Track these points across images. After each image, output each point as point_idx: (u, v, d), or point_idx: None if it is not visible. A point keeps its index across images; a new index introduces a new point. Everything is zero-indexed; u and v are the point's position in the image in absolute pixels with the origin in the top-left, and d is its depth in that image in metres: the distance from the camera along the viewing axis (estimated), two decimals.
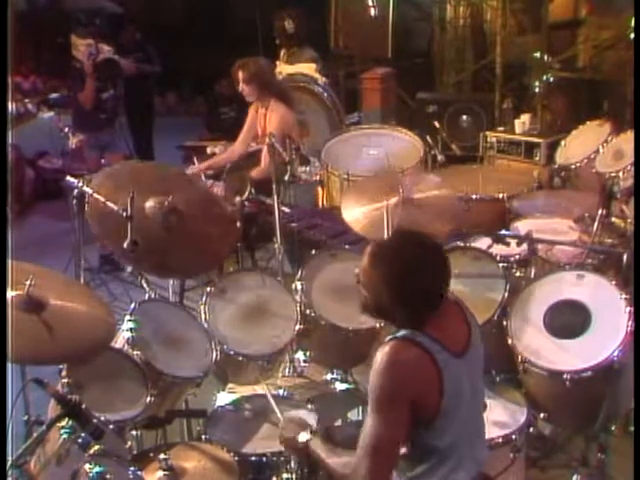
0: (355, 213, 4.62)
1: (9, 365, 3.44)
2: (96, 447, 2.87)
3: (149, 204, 4.26)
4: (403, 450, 2.84)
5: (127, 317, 3.91)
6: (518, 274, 4.67)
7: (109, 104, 7.88)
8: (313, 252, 4.79)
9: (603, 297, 4.09)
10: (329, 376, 4.44)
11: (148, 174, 4.58)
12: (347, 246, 5.01)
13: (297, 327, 4.34)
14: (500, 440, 3.74)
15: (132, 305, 4.04)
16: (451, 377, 2.78)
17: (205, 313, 4.28)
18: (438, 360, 2.76)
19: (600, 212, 4.64)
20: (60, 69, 9.76)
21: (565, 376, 3.91)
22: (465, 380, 2.86)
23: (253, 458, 3.56)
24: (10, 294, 3.31)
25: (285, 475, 3.47)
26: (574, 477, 4.11)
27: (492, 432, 3.73)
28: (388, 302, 2.83)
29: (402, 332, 2.81)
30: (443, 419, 2.78)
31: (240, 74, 6.28)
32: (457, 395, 2.81)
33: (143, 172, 4.63)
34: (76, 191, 4.74)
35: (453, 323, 2.93)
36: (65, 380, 3.40)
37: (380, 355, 2.76)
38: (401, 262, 2.81)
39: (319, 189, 7.26)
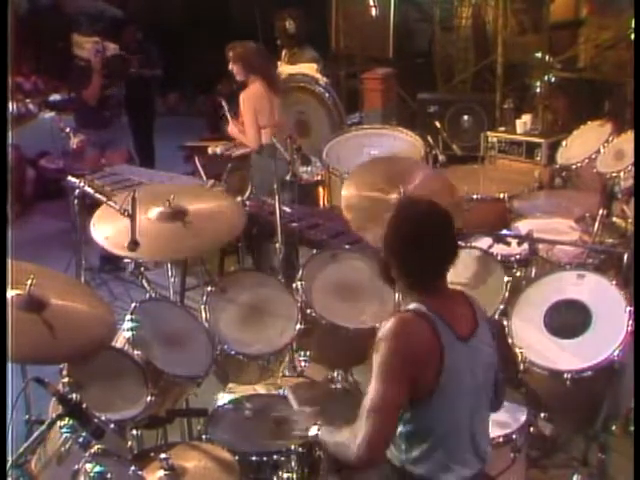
0: (353, 199, 4.63)
1: (10, 365, 3.44)
2: (97, 446, 2.86)
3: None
4: (403, 428, 2.90)
5: (128, 317, 3.91)
6: (519, 274, 4.68)
7: (113, 101, 7.90)
8: (314, 252, 4.79)
9: (604, 297, 4.10)
10: (329, 376, 4.44)
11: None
12: (347, 246, 5.01)
13: (297, 327, 4.34)
14: (500, 440, 3.74)
15: (133, 305, 4.04)
16: (452, 357, 2.84)
17: (206, 313, 4.28)
18: (442, 337, 2.84)
19: (601, 212, 4.64)
20: (61, 70, 9.77)
21: (565, 376, 3.91)
22: (466, 365, 2.91)
23: (254, 458, 3.55)
24: (11, 294, 3.31)
25: (286, 475, 3.48)
26: (574, 477, 4.11)
27: (493, 432, 3.71)
28: (391, 256, 2.98)
29: (413, 305, 2.91)
30: (440, 398, 2.84)
31: (230, 54, 6.70)
32: (456, 377, 2.87)
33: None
34: (77, 191, 4.76)
35: (459, 308, 3.01)
36: (66, 379, 3.41)
37: (389, 323, 2.86)
38: (410, 220, 2.97)
39: (320, 189, 7.27)
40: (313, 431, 3.15)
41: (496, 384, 3.11)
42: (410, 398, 2.83)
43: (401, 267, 2.98)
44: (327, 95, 8.27)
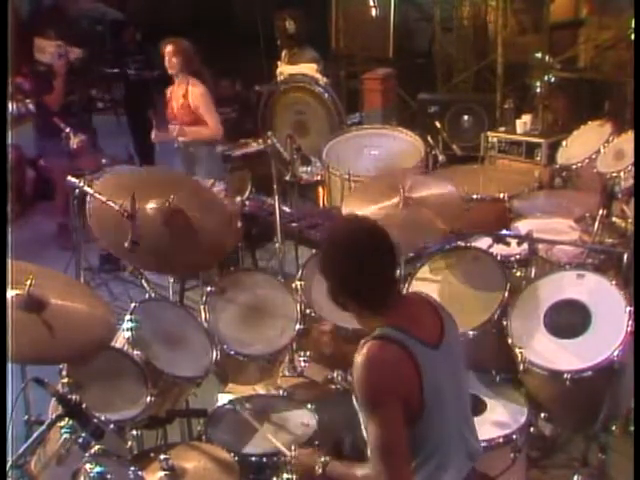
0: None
1: (9, 365, 3.44)
2: (96, 447, 2.86)
3: (151, 205, 4.27)
4: None
5: (127, 317, 3.91)
6: (518, 274, 4.67)
7: (77, 107, 7.82)
8: (314, 252, 4.79)
9: (603, 297, 4.09)
10: (329, 376, 4.44)
11: (149, 176, 4.60)
12: None
13: (297, 327, 4.34)
14: (501, 440, 3.74)
15: (132, 305, 4.04)
16: (428, 369, 2.78)
17: (205, 313, 4.28)
18: (415, 354, 2.77)
19: (601, 212, 4.63)
20: None
21: (565, 376, 3.91)
22: (443, 372, 2.86)
23: (253, 458, 3.55)
24: (11, 294, 3.31)
25: (286, 475, 3.47)
26: (575, 477, 4.11)
27: (492, 432, 3.74)
28: (334, 284, 2.92)
29: (376, 331, 2.82)
30: (426, 415, 2.79)
31: (170, 47, 6.74)
32: (437, 388, 2.81)
33: (145, 174, 4.65)
34: (77, 191, 4.75)
35: (422, 315, 2.94)
36: (65, 380, 3.41)
37: (359, 358, 2.78)
38: (342, 241, 2.90)
39: (320, 189, 7.27)
40: (320, 469, 3.05)
41: None
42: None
43: (349, 292, 2.90)
44: (327, 95, 8.27)
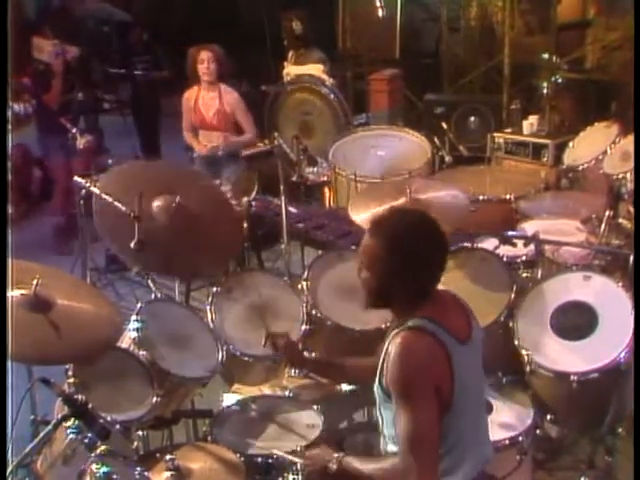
0: (362, 217, 4.61)
1: (15, 365, 3.45)
2: (102, 447, 2.87)
3: (156, 204, 4.26)
4: None
5: (133, 317, 3.91)
6: (525, 275, 4.67)
7: (75, 106, 7.83)
8: (320, 252, 4.79)
9: (610, 298, 4.09)
10: None
11: (156, 173, 4.59)
12: (354, 247, 5.00)
13: (303, 328, 4.34)
14: (507, 442, 3.73)
15: (138, 305, 4.04)
16: (459, 363, 2.82)
17: (211, 313, 4.28)
18: (448, 346, 2.80)
19: (607, 213, 4.63)
20: None
21: (572, 378, 3.90)
22: (469, 368, 2.90)
23: (259, 459, 3.54)
24: (17, 294, 3.31)
25: (292, 476, 3.46)
26: (581, 479, 4.11)
27: (498, 434, 3.72)
28: (389, 275, 2.87)
29: (410, 322, 2.85)
30: (454, 408, 2.81)
31: (209, 54, 6.80)
32: (465, 382, 2.84)
33: (151, 171, 4.64)
34: (83, 191, 4.76)
35: (454, 312, 2.98)
36: (71, 380, 3.40)
37: (394, 348, 2.80)
38: (403, 230, 2.89)
39: (326, 190, 7.27)
40: (334, 465, 3.05)
41: None
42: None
43: (403, 284, 2.89)
44: (333, 96, 8.28)
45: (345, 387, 4.14)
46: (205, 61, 6.75)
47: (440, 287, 3.02)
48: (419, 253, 2.86)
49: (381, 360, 2.93)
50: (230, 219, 4.68)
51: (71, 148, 7.54)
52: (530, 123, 7.86)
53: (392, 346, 2.82)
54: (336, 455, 3.06)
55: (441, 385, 2.79)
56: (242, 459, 3.45)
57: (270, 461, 3.52)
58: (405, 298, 2.92)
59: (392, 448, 2.95)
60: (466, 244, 4.61)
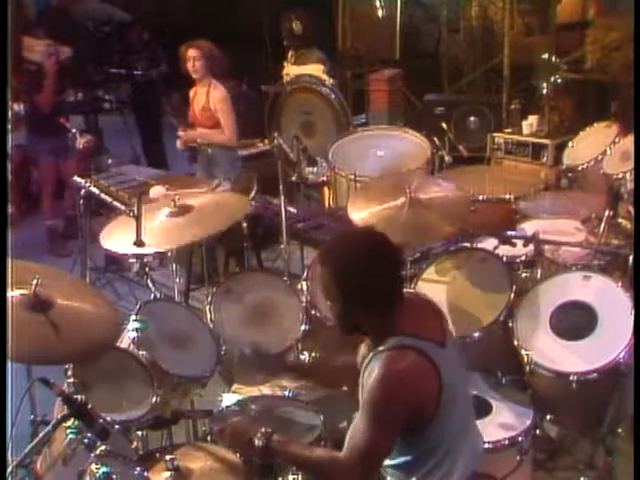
0: (362, 214, 4.61)
1: (14, 365, 3.44)
2: (102, 447, 2.87)
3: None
4: (400, 459, 2.87)
5: (133, 317, 3.91)
6: (524, 275, 4.66)
7: (67, 107, 7.81)
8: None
9: (609, 298, 4.09)
10: None
11: None
12: None
13: (302, 328, 4.34)
14: (506, 442, 3.73)
15: (138, 305, 4.04)
16: (444, 369, 2.79)
17: (210, 313, 4.28)
18: (432, 357, 2.77)
19: (607, 213, 4.62)
20: None
21: (571, 378, 3.90)
22: (453, 369, 2.88)
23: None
24: (16, 293, 3.31)
25: (291, 477, 3.47)
26: (581, 479, 4.11)
27: (498, 434, 3.73)
28: (345, 301, 2.85)
29: (392, 341, 2.81)
30: (442, 414, 2.80)
31: (193, 52, 6.77)
32: (452, 385, 2.83)
33: None
34: (83, 191, 4.76)
35: (426, 316, 2.96)
36: (71, 380, 3.41)
37: (378, 367, 2.77)
38: (346, 253, 2.85)
39: (326, 190, 7.27)
40: (260, 441, 2.95)
41: None
42: (405, 432, 2.79)
43: (362, 306, 2.85)
44: (333, 96, 8.27)
45: (345, 387, 4.14)
46: (191, 59, 6.77)
47: (409, 291, 3.02)
48: (366, 273, 2.80)
49: (360, 388, 2.92)
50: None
51: (61, 150, 7.53)
52: (530, 123, 7.86)
53: (376, 365, 2.78)
54: (263, 430, 2.95)
55: (424, 402, 2.76)
56: (242, 459, 3.45)
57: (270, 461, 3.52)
58: (372, 318, 2.89)
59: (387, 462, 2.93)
60: (465, 244, 4.61)
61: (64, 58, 7.76)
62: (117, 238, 4.24)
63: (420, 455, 2.88)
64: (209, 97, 6.82)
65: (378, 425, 2.72)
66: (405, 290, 2.99)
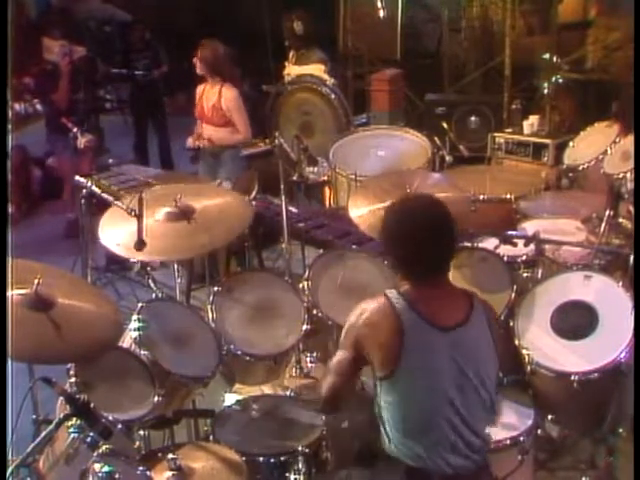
0: (362, 211, 4.62)
1: (16, 364, 3.45)
2: (104, 447, 2.87)
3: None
4: (385, 413, 3.09)
5: (134, 316, 3.91)
6: (525, 275, 4.66)
7: (81, 105, 7.89)
8: (320, 252, 4.79)
9: (610, 298, 4.08)
10: None
11: None
12: (354, 246, 5.01)
13: (304, 327, 4.34)
14: (508, 442, 3.73)
15: (139, 304, 4.04)
16: (418, 340, 2.98)
17: (212, 313, 4.28)
18: (405, 321, 2.99)
19: (608, 213, 4.62)
20: None
21: (572, 377, 3.90)
22: (442, 355, 3.00)
23: (261, 458, 3.56)
24: (18, 293, 3.31)
25: (293, 476, 3.48)
26: (582, 479, 4.11)
27: (500, 434, 3.73)
28: (389, 253, 3.27)
29: (393, 290, 3.14)
30: (406, 377, 2.98)
31: (200, 51, 6.91)
32: (425, 363, 2.99)
33: None
34: (84, 191, 4.76)
35: (450, 303, 3.11)
36: (73, 379, 3.41)
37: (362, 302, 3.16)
38: (397, 216, 3.15)
39: (326, 189, 7.27)
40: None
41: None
42: (378, 374, 3.05)
43: (394, 258, 3.20)
44: (334, 96, 8.28)
45: None
46: (196, 58, 6.85)
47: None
48: (412, 237, 3.06)
49: None
50: None
51: (75, 149, 7.62)
52: (530, 123, 7.88)
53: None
54: None
55: (381, 348, 3.01)
56: (244, 459, 3.46)
57: (272, 460, 3.53)
58: (398, 270, 3.19)
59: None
60: (466, 244, 4.61)
61: (78, 58, 7.86)
62: (109, 232, 4.19)
63: (392, 416, 3.06)
64: (221, 96, 6.86)
65: (345, 349, 3.15)
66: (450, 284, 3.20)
